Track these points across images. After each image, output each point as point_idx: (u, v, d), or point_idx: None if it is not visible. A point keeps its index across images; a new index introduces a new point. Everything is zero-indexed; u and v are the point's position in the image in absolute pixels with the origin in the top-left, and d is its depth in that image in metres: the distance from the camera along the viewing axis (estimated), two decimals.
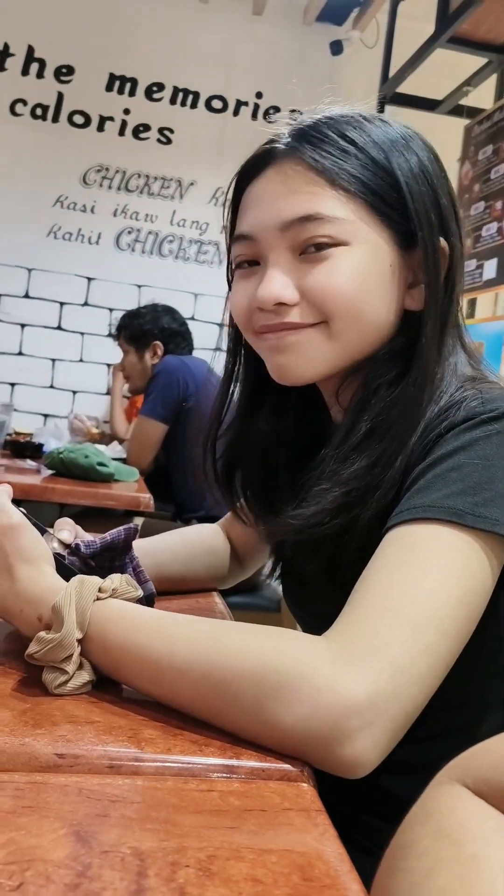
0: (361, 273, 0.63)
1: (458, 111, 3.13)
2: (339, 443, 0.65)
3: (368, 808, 0.66)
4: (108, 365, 3.37)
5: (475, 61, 2.98)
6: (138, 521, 2.01)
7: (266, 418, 0.77)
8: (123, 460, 2.35)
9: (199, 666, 0.49)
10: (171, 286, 3.49)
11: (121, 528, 0.70)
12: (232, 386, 0.77)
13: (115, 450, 2.48)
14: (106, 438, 2.81)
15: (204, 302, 3.55)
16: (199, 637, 0.51)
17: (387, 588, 0.51)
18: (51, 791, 0.41)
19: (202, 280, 3.55)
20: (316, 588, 0.73)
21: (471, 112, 3.08)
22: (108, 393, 3.38)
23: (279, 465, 0.77)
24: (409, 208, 0.64)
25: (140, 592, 0.59)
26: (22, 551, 0.56)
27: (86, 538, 0.73)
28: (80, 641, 0.52)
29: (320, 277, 0.63)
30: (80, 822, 0.38)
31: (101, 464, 1.94)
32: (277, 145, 0.66)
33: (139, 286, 3.52)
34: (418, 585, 0.50)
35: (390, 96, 3.02)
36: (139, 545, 0.82)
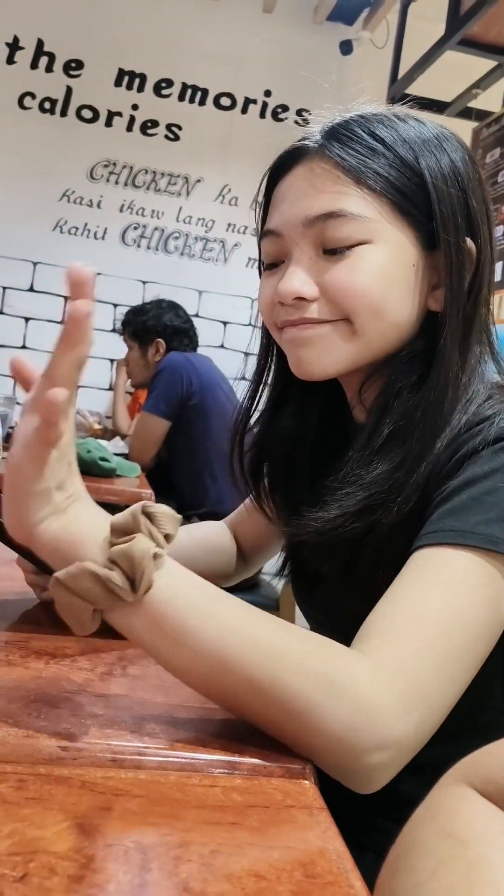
0: (383, 271, 0.63)
1: (467, 114, 3.12)
2: (362, 445, 0.65)
3: (372, 808, 0.66)
4: (112, 360, 3.36)
5: (484, 64, 2.97)
6: None
7: (291, 416, 0.77)
8: (125, 456, 2.35)
9: (250, 658, 0.47)
10: (176, 283, 3.48)
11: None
12: (263, 382, 0.78)
13: (117, 445, 2.48)
14: (108, 434, 2.81)
15: (208, 299, 3.54)
16: (247, 625, 0.51)
17: (420, 614, 0.51)
18: (54, 783, 0.41)
19: (207, 277, 3.55)
20: (330, 588, 0.73)
21: (479, 115, 3.07)
22: (111, 388, 3.37)
23: (302, 466, 0.77)
24: (433, 209, 0.63)
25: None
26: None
27: None
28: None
29: (341, 275, 0.63)
30: (84, 815, 0.38)
31: (103, 459, 1.94)
32: (308, 143, 0.66)
33: (144, 282, 3.51)
34: (451, 615, 0.51)
35: (399, 97, 3.02)
36: None
